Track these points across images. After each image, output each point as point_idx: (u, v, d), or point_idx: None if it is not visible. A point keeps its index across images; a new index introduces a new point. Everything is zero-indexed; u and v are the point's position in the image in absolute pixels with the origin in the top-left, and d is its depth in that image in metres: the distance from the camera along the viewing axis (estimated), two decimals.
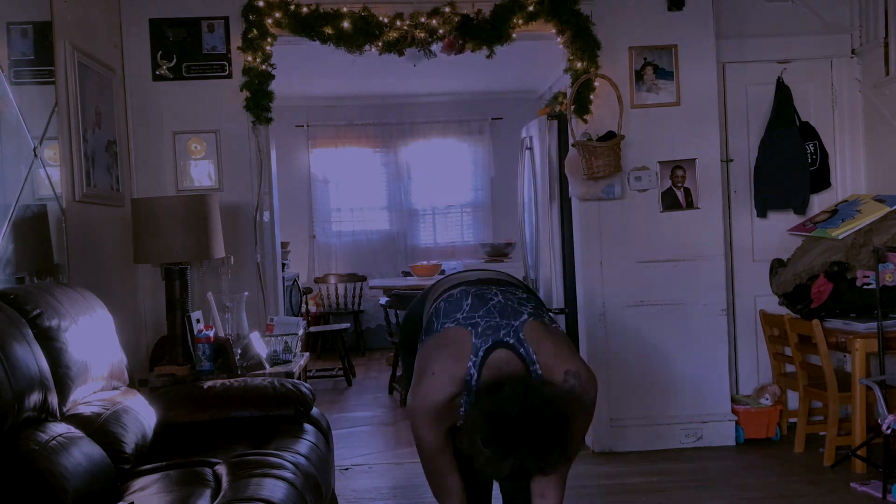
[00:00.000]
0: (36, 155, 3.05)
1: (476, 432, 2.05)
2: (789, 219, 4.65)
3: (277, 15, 4.12)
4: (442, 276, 2.92)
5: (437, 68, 5.49)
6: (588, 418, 2.32)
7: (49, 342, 2.33)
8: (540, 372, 2.24)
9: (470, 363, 2.24)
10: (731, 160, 4.69)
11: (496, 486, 2.79)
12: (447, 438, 2.30)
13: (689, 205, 4.42)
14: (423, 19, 4.16)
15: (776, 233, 4.65)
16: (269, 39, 4.15)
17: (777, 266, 4.49)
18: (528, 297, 2.48)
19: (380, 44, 4.17)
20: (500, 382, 2.12)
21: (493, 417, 2.03)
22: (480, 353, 2.26)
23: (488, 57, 4.31)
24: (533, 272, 5.23)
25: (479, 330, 2.29)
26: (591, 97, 4.32)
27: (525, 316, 2.33)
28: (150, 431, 2.70)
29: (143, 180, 4.19)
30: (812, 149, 4.64)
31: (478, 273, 2.68)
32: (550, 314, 2.51)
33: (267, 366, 3.61)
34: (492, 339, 2.27)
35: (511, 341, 2.27)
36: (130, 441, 2.48)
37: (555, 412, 2.03)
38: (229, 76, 4.20)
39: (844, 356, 4.46)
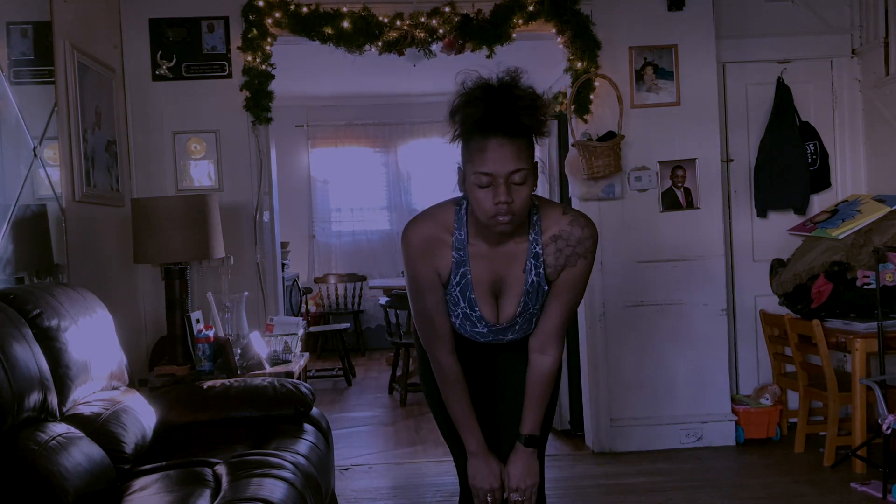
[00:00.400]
0: (36, 155, 3.05)
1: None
2: (789, 219, 4.65)
3: (277, 15, 4.12)
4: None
5: (437, 68, 5.48)
6: (590, 261, 2.23)
7: (49, 342, 2.33)
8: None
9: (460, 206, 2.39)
10: (731, 160, 4.69)
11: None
12: (437, 279, 2.25)
13: (690, 205, 4.42)
14: (423, 19, 4.16)
15: (776, 233, 4.65)
16: (269, 39, 4.15)
17: (777, 266, 4.49)
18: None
19: (380, 44, 4.17)
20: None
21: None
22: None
23: (488, 57, 4.30)
24: None
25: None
26: (591, 97, 4.32)
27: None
28: (150, 431, 2.70)
29: (143, 180, 4.19)
30: (812, 149, 4.64)
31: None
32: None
33: (267, 366, 3.61)
34: None
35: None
36: (130, 441, 2.48)
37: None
38: (229, 76, 4.20)
39: (844, 356, 4.46)
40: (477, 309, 2.23)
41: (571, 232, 2.18)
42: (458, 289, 2.21)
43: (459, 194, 2.39)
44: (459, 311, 2.26)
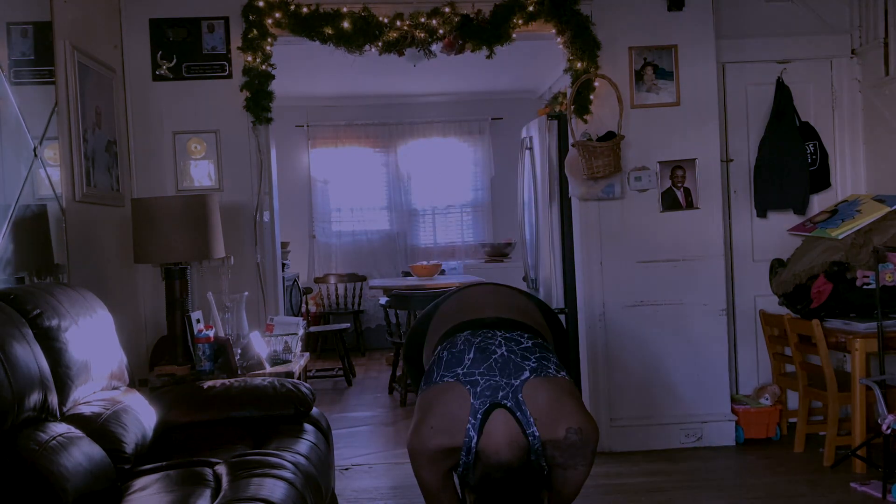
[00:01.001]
0: (36, 155, 3.05)
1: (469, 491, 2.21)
2: (789, 219, 4.65)
3: (277, 15, 4.12)
4: (449, 295, 2.91)
5: (437, 68, 5.49)
6: (587, 469, 2.38)
7: (49, 342, 2.33)
8: (538, 435, 2.29)
9: (469, 425, 2.30)
10: (731, 160, 4.69)
11: None
12: (447, 477, 2.37)
13: (689, 205, 4.42)
14: (423, 19, 4.16)
15: (776, 233, 4.65)
16: (269, 39, 4.15)
17: (777, 266, 4.49)
18: (534, 346, 2.45)
19: (380, 44, 4.17)
20: (495, 469, 2.24)
21: (484, 485, 2.19)
22: (479, 416, 2.30)
23: (488, 57, 4.31)
24: (533, 272, 5.23)
25: (478, 390, 2.32)
26: (591, 97, 4.32)
27: (526, 373, 2.34)
28: (150, 431, 2.70)
29: (143, 180, 4.19)
30: (812, 149, 4.64)
31: (483, 303, 2.69)
32: (556, 362, 2.46)
33: (267, 366, 3.61)
34: (489, 402, 2.30)
35: (509, 404, 2.30)
36: (130, 441, 2.48)
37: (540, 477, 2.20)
38: (229, 76, 4.20)
39: (844, 356, 4.46)
40: None
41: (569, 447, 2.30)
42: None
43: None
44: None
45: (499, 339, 2.43)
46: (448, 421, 2.31)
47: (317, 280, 8.19)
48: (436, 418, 2.34)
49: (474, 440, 2.27)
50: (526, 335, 2.48)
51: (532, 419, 2.28)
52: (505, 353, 2.38)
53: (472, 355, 2.39)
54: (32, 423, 2.12)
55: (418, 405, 2.43)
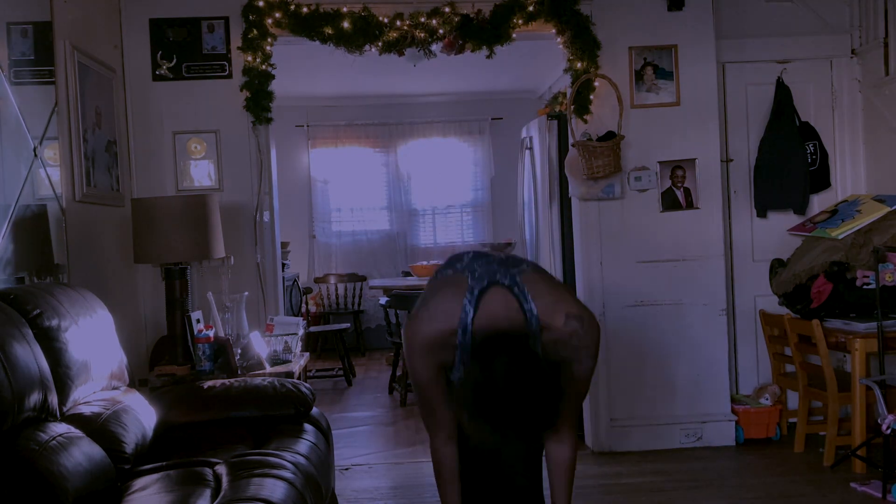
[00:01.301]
0: (36, 155, 3.05)
1: (463, 406, 2.05)
2: (789, 219, 4.65)
3: (277, 15, 4.12)
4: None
5: (437, 68, 5.49)
6: (593, 362, 2.30)
7: (49, 342, 2.33)
8: (536, 313, 2.23)
9: (466, 300, 2.25)
10: (731, 160, 4.69)
11: None
12: (439, 372, 2.28)
13: (689, 205, 4.42)
14: (423, 19, 4.16)
15: (776, 233, 4.65)
16: (269, 39, 4.15)
17: (777, 266, 4.49)
18: (530, 263, 2.49)
19: (380, 44, 4.17)
20: (492, 340, 2.13)
21: (479, 390, 2.03)
22: (476, 292, 2.26)
23: (488, 57, 4.31)
24: None
25: (477, 275, 2.30)
26: (591, 97, 4.32)
27: (525, 266, 2.34)
28: (150, 431, 2.70)
29: (143, 180, 4.19)
30: (812, 149, 4.64)
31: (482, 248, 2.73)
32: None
33: (267, 366, 3.61)
34: (487, 280, 2.27)
35: (507, 282, 2.27)
36: (130, 441, 2.48)
37: (544, 375, 2.03)
38: (229, 76, 4.20)
39: (844, 356, 4.46)
40: None
41: (571, 336, 2.21)
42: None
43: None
44: None
45: (499, 254, 2.47)
46: (445, 305, 2.27)
47: (317, 280, 8.19)
48: (433, 304, 2.31)
49: (470, 315, 2.22)
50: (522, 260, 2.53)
51: (530, 297, 2.24)
52: (503, 257, 2.40)
53: (471, 255, 2.42)
54: (32, 423, 2.12)
55: (419, 299, 2.41)
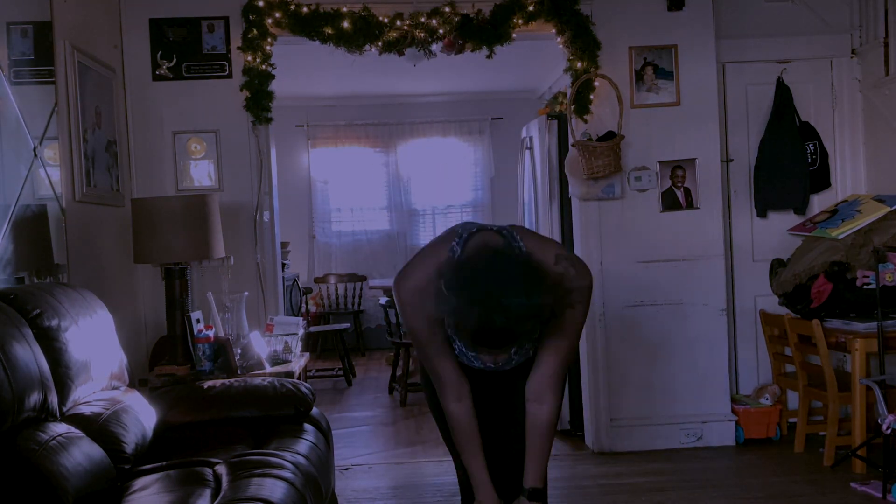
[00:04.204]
0: (36, 155, 3.05)
1: (442, 278, 1.97)
2: (789, 219, 4.65)
3: (277, 15, 4.12)
4: None
5: (437, 68, 5.49)
6: (584, 308, 2.21)
7: (49, 342, 2.33)
8: (525, 250, 2.17)
9: (454, 242, 2.22)
10: (731, 160, 4.69)
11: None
12: (434, 323, 2.20)
13: (689, 205, 4.42)
14: (423, 19, 4.16)
15: (776, 233, 4.65)
16: (269, 39, 4.15)
17: (777, 266, 4.49)
18: None
19: (380, 44, 4.17)
20: (479, 250, 2.09)
21: (461, 265, 2.00)
22: (465, 235, 2.22)
23: (488, 57, 4.31)
24: None
25: (466, 227, 2.27)
26: (591, 97, 4.32)
27: (516, 226, 2.31)
28: (150, 431, 2.70)
29: (143, 180, 4.19)
30: (812, 149, 4.64)
31: None
32: None
33: (267, 366, 3.61)
34: (477, 227, 2.24)
35: (495, 228, 2.23)
36: (130, 441, 2.48)
37: (526, 269, 1.95)
38: (229, 76, 4.20)
39: (844, 356, 4.46)
40: (472, 352, 2.20)
41: (562, 276, 2.11)
42: (452, 331, 2.13)
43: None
44: (457, 347, 2.25)
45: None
46: (433, 254, 2.23)
47: (317, 280, 8.19)
48: (421, 255, 2.27)
49: (457, 253, 2.17)
50: None
51: (519, 238, 2.20)
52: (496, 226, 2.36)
53: (463, 223, 2.36)
54: (32, 423, 2.12)
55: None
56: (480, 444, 2.29)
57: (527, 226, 5.28)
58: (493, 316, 1.88)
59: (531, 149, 5.11)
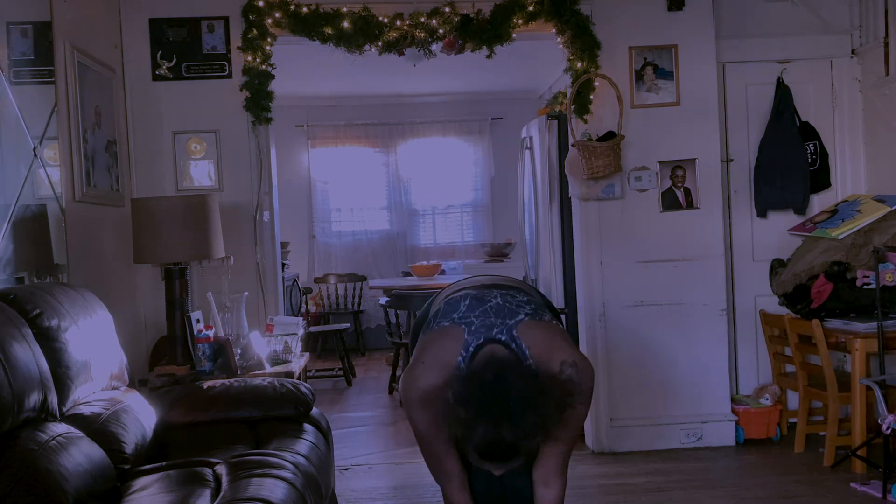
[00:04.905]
0: (36, 155, 3.05)
1: (450, 389, 2.07)
2: (789, 219, 4.65)
3: (277, 15, 4.11)
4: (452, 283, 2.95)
5: (437, 68, 5.49)
6: (586, 408, 2.33)
7: (49, 342, 2.32)
8: (532, 363, 2.25)
9: (460, 357, 2.27)
10: (731, 160, 4.69)
11: None
12: (439, 424, 2.28)
13: (689, 205, 4.42)
14: (423, 19, 4.16)
15: (776, 233, 4.65)
16: (269, 39, 4.15)
17: (777, 266, 4.49)
18: (530, 300, 2.49)
19: (380, 44, 4.17)
20: (486, 361, 2.16)
21: (469, 378, 2.08)
22: (471, 349, 2.28)
23: (488, 57, 4.31)
24: (533, 272, 5.23)
25: (473, 328, 2.31)
26: (591, 97, 4.32)
27: (521, 316, 2.34)
28: (150, 431, 2.70)
29: (143, 180, 4.19)
30: (812, 149, 4.64)
31: (483, 278, 2.71)
32: (551, 313, 2.52)
33: (267, 366, 3.61)
34: (484, 336, 2.28)
35: (503, 338, 2.29)
36: (130, 441, 2.48)
37: (533, 383, 2.05)
38: (229, 76, 4.20)
39: (844, 356, 4.46)
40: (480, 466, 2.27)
41: (566, 383, 2.22)
42: (461, 445, 2.26)
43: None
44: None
45: (495, 293, 2.47)
46: (441, 357, 2.30)
47: (317, 280, 8.19)
48: (429, 356, 2.33)
49: (465, 372, 2.23)
50: (522, 293, 2.53)
51: (527, 350, 2.27)
52: (500, 302, 2.41)
53: (468, 303, 2.42)
54: (32, 424, 2.11)
55: (414, 351, 2.44)
56: None
57: (527, 226, 5.29)
58: (502, 431, 1.98)
59: (531, 149, 5.11)
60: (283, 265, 6.22)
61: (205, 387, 3.07)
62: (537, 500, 2.37)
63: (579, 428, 2.37)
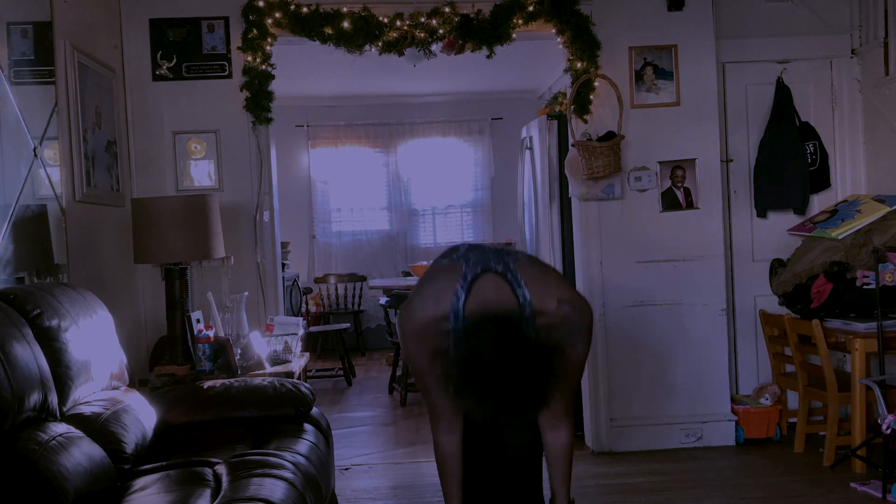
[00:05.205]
0: (36, 155, 3.05)
1: (450, 380, 2.09)
2: (789, 219, 4.65)
3: (277, 15, 4.12)
4: None
5: (437, 68, 5.49)
6: (585, 348, 2.33)
7: (49, 342, 2.33)
8: (529, 298, 2.25)
9: (458, 285, 2.28)
10: (731, 160, 4.69)
11: None
12: (434, 359, 2.30)
13: (689, 205, 4.42)
14: (423, 19, 4.16)
15: (776, 233, 4.65)
16: (269, 39, 4.15)
17: (777, 266, 4.49)
18: (528, 254, 2.53)
19: (380, 44, 4.17)
20: (483, 320, 2.15)
21: (467, 365, 2.07)
22: (468, 277, 2.29)
23: (488, 57, 4.31)
24: None
25: (470, 262, 2.34)
26: (591, 97, 4.32)
27: (519, 255, 2.38)
28: (150, 431, 2.70)
29: (143, 180, 4.19)
30: (812, 149, 4.64)
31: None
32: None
33: (267, 366, 3.61)
34: (481, 266, 2.30)
35: (500, 269, 2.30)
36: (130, 441, 2.48)
37: (535, 356, 2.06)
38: (229, 76, 4.20)
39: (844, 356, 4.46)
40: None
41: (563, 320, 2.24)
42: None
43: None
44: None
45: (493, 246, 2.50)
46: (438, 291, 2.31)
47: (317, 280, 8.19)
48: (426, 290, 2.35)
49: (462, 300, 2.25)
50: (520, 252, 2.56)
51: (523, 282, 2.27)
52: (498, 249, 2.44)
53: (467, 247, 2.46)
54: (32, 423, 2.12)
55: (414, 287, 2.46)
56: (461, 482, 2.39)
57: (527, 226, 5.29)
58: (500, 413, 2.07)
59: (531, 149, 5.11)
60: (283, 265, 6.22)
61: (205, 387, 3.07)
62: (548, 446, 2.38)
63: (580, 370, 2.38)
